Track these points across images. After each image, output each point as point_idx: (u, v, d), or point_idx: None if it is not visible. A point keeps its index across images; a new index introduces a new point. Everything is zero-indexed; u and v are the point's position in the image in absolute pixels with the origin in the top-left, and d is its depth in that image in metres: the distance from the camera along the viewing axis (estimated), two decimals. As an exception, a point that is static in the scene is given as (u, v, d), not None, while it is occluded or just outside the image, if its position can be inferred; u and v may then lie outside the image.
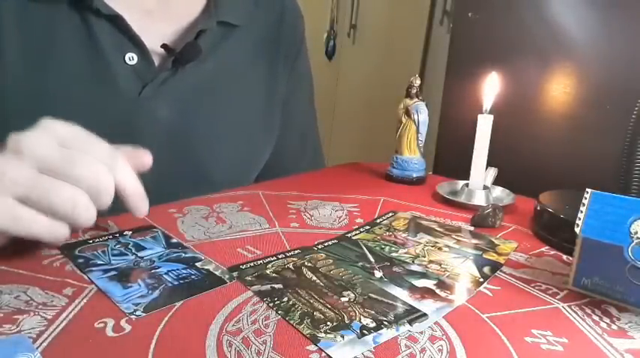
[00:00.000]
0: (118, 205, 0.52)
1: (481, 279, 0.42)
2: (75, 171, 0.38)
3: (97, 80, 0.54)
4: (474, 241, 0.51)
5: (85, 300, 0.35)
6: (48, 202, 0.37)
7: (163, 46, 0.57)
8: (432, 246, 0.49)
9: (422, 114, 0.71)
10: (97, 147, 0.40)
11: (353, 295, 0.38)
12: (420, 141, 0.72)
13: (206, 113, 0.62)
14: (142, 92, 0.56)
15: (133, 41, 0.56)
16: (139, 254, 0.43)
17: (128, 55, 0.56)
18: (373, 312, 0.36)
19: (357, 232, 0.52)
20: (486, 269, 0.44)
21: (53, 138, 0.39)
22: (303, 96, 0.80)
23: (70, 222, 0.38)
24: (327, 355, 0.31)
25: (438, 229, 0.54)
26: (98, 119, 0.54)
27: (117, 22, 0.55)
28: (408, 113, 0.71)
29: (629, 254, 0.37)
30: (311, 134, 0.83)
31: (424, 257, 0.46)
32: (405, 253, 0.47)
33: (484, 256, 0.47)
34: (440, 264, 0.45)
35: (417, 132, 0.71)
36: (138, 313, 0.34)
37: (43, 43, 0.52)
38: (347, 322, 0.34)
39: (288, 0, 0.75)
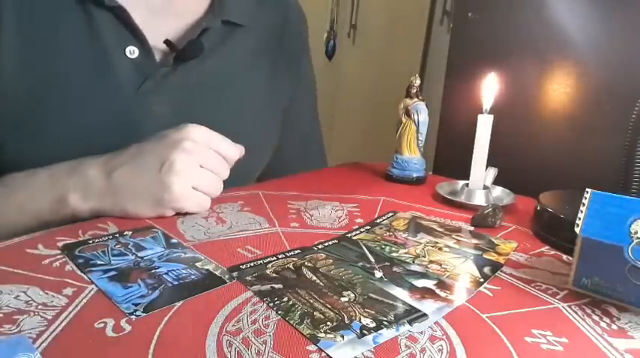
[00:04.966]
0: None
1: (481, 279, 0.42)
2: (223, 172, 0.54)
3: (97, 71, 0.55)
4: (474, 241, 0.51)
5: (85, 300, 0.35)
6: (209, 190, 0.53)
7: (166, 41, 0.57)
8: (433, 246, 0.49)
9: (422, 114, 0.71)
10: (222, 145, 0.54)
11: (353, 295, 0.38)
12: (420, 141, 0.72)
13: (205, 111, 0.62)
14: (141, 86, 0.56)
15: (135, 34, 0.56)
16: (139, 254, 0.43)
17: (129, 49, 0.56)
18: (373, 312, 0.36)
19: (357, 232, 0.52)
20: (486, 270, 0.44)
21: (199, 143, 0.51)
22: (307, 101, 0.81)
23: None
24: (327, 355, 0.31)
25: (438, 229, 0.54)
26: (97, 110, 0.55)
27: (119, 14, 0.55)
28: (408, 113, 0.71)
29: (629, 254, 0.37)
30: (314, 138, 0.84)
31: (424, 257, 0.46)
32: (406, 253, 0.47)
33: (484, 256, 0.47)
34: (440, 264, 0.45)
35: (417, 132, 0.71)
36: (138, 313, 0.34)
37: (45, 31, 0.53)
38: (347, 322, 0.34)
39: (292, 4, 0.75)
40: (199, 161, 0.51)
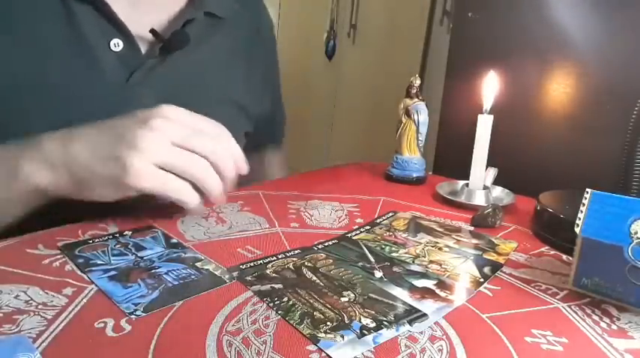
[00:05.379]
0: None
1: (481, 279, 0.42)
2: (206, 147, 0.47)
3: (83, 67, 0.54)
4: (474, 241, 0.51)
5: (85, 300, 0.35)
6: (190, 171, 0.46)
7: (152, 31, 0.57)
8: (433, 246, 0.49)
9: (422, 114, 0.71)
10: (210, 126, 0.50)
11: (353, 295, 0.38)
12: (420, 141, 0.72)
13: (193, 103, 0.63)
14: (129, 79, 0.56)
15: (118, 27, 0.55)
16: (139, 254, 0.43)
17: (113, 42, 0.55)
18: (373, 312, 0.36)
19: (357, 232, 0.52)
20: (486, 270, 0.44)
21: (175, 121, 0.48)
22: (278, 95, 0.83)
23: (203, 189, 0.48)
24: (327, 355, 0.31)
25: (438, 229, 0.54)
26: (85, 107, 0.54)
27: (100, 7, 0.54)
28: (408, 113, 0.71)
29: (629, 254, 0.37)
30: (281, 123, 0.86)
31: (424, 257, 0.46)
32: (406, 253, 0.47)
33: (484, 256, 0.47)
34: (440, 264, 0.45)
35: (417, 132, 0.71)
36: (138, 313, 0.34)
37: (25, 29, 0.52)
38: (347, 322, 0.34)
39: (263, 10, 0.77)
40: (170, 137, 0.46)
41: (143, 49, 0.58)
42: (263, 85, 0.74)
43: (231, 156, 0.50)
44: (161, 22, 0.60)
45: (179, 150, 0.46)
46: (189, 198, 0.47)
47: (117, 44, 0.55)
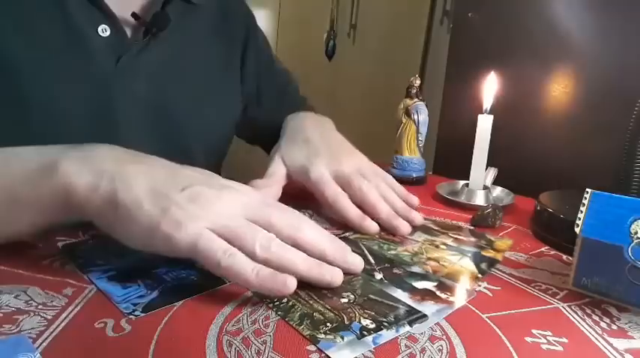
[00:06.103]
0: None
1: (479, 275, 0.42)
2: (304, 236, 0.40)
3: (72, 54, 0.55)
4: (471, 239, 0.51)
5: (85, 300, 0.35)
6: (283, 260, 0.38)
7: (133, 14, 0.58)
8: (430, 244, 0.49)
9: (422, 114, 0.71)
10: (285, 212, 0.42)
11: (353, 296, 0.38)
12: (420, 141, 0.72)
13: (179, 86, 0.63)
14: (117, 64, 0.57)
15: (105, 13, 0.56)
16: (139, 254, 0.43)
17: (101, 27, 0.56)
18: (373, 313, 0.36)
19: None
20: (484, 266, 0.44)
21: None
22: (269, 61, 0.81)
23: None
24: (327, 356, 0.31)
25: (436, 228, 0.54)
26: (74, 93, 0.55)
27: None
28: (408, 113, 0.71)
29: (629, 254, 0.37)
30: (287, 82, 0.84)
31: (422, 254, 0.46)
32: (404, 251, 0.47)
33: (482, 253, 0.47)
34: (438, 261, 0.45)
35: (417, 132, 0.71)
36: (137, 313, 0.34)
37: (12, 17, 0.53)
38: (347, 323, 0.34)
39: None
40: (244, 207, 0.40)
41: (129, 33, 0.59)
42: (246, 63, 0.74)
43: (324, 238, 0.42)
44: (142, 6, 0.61)
45: (249, 222, 0.39)
46: (244, 270, 0.36)
47: (104, 30, 0.56)
